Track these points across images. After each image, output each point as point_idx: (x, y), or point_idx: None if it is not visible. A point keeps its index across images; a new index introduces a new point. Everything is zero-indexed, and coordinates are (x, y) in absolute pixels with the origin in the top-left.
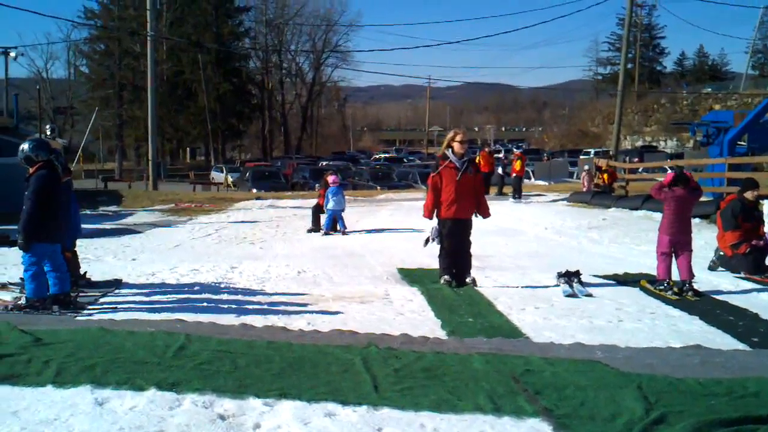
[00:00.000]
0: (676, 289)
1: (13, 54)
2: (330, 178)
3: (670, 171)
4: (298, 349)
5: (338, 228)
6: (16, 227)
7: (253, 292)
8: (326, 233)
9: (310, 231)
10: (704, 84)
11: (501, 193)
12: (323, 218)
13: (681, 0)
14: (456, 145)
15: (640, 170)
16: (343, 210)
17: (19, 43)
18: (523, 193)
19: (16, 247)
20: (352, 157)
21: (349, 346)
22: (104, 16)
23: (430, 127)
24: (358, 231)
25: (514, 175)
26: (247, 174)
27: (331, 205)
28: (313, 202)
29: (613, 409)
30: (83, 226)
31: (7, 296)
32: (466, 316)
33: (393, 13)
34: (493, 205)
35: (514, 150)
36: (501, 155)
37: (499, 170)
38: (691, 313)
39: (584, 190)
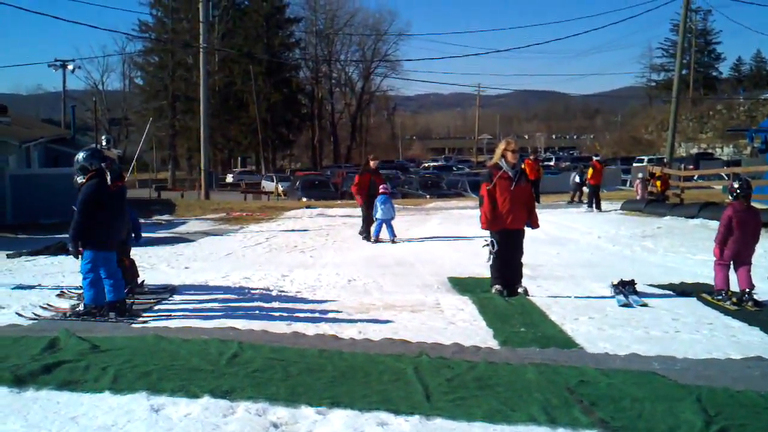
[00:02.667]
0: (734, 300)
1: (70, 67)
2: (380, 187)
3: (733, 182)
4: (349, 358)
5: (388, 236)
6: None
7: (304, 301)
8: (376, 241)
9: (364, 238)
10: (762, 90)
11: (578, 201)
12: (373, 226)
13: (737, 4)
14: (509, 155)
15: (695, 178)
16: (392, 218)
17: (76, 56)
18: (583, 201)
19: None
20: (401, 166)
21: (400, 355)
22: (158, 28)
23: (479, 136)
24: (408, 240)
25: (588, 183)
26: (297, 183)
27: (380, 214)
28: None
29: (672, 421)
30: None
31: (65, 303)
32: (519, 325)
33: (442, 22)
34: (544, 213)
35: (593, 158)
36: (552, 163)
37: (576, 178)
38: (751, 323)
39: (638, 198)
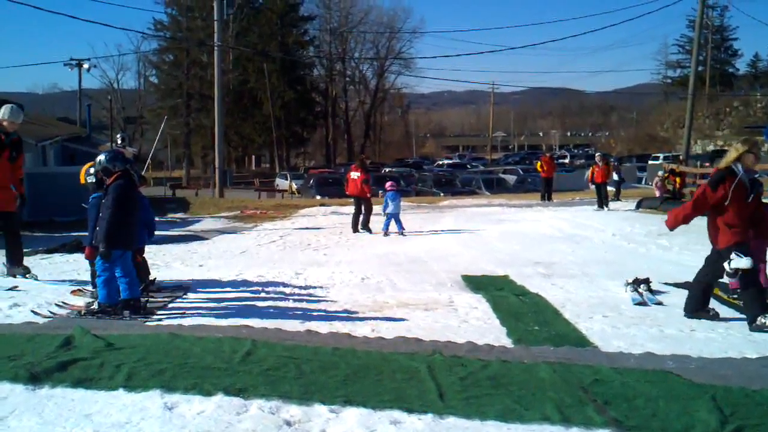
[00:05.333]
0: None
1: (86, 66)
2: (387, 183)
3: None
4: (362, 356)
5: (396, 229)
6: (86, 234)
7: (318, 299)
8: (385, 234)
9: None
10: None
11: (617, 199)
12: (382, 221)
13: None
14: (751, 158)
15: None
16: (399, 213)
17: (91, 55)
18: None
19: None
20: (415, 164)
21: (413, 353)
22: (173, 27)
23: (493, 133)
24: (421, 237)
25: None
26: (311, 181)
27: (390, 208)
28: (375, 209)
29: (686, 421)
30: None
31: (80, 301)
32: (533, 324)
33: (457, 19)
34: (558, 211)
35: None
36: (567, 160)
37: (615, 176)
38: None
39: (657, 195)
